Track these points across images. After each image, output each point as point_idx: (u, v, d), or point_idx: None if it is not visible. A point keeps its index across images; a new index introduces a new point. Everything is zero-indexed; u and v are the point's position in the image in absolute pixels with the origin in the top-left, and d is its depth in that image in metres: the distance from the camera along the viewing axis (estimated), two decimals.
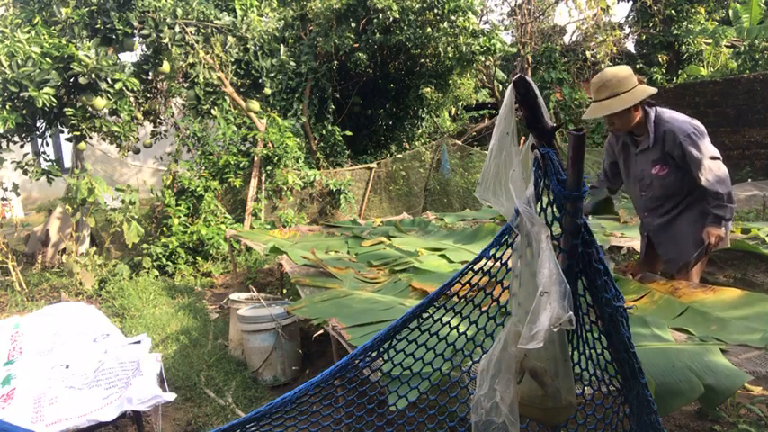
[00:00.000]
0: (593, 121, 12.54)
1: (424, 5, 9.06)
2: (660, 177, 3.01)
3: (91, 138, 6.66)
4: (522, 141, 1.33)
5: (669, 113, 3.00)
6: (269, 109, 8.80)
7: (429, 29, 9.34)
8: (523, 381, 1.36)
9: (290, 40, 9.57)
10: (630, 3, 14.68)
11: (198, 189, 7.14)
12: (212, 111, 7.52)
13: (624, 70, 2.90)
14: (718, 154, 2.90)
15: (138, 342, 3.25)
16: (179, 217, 7.03)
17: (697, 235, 2.96)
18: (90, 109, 6.11)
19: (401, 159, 10.62)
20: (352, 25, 9.06)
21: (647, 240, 3.31)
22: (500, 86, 14.43)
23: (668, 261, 3.16)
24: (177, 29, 6.45)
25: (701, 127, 2.94)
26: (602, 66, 13.15)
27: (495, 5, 34.43)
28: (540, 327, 1.16)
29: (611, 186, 3.44)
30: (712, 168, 2.84)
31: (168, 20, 6.32)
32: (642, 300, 2.76)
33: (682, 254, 3.05)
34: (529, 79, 1.21)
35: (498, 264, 1.50)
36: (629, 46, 15.30)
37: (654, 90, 2.90)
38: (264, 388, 3.82)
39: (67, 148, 10.27)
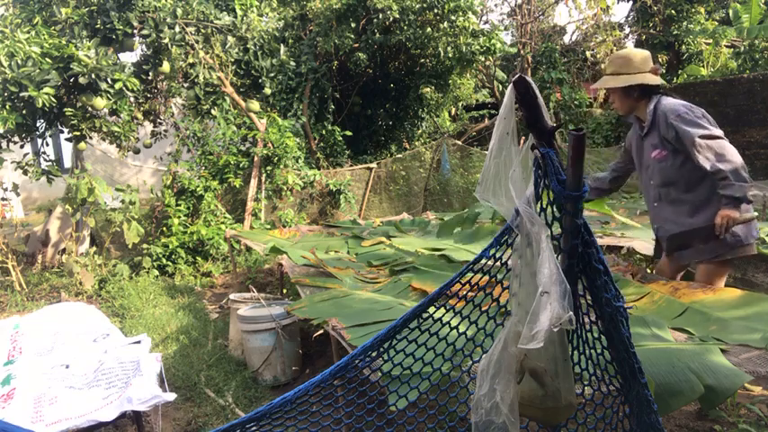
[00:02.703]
0: (592, 120, 12.54)
1: (424, 5, 9.06)
2: (658, 161, 2.94)
3: (91, 138, 6.66)
4: (522, 141, 1.33)
5: (667, 99, 2.91)
6: (269, 109, 8.79)
7: (429, 29, 9.33)
8: (523, 381, 1.36)
9: (290, 40, 9.56)
10: (630, 3, 14.66)
11: (198, 189, 7.14)
12: (212, 111, 7.52)
13: (638, 55, 2.90)
14: (718, 132, 2.70)
15: (138, 342, 3.25)
16: (179, 217, 7.04)
17: (710, 229, 2.77)
18: (90, 109, 6.11)
19: (401, 159, 10.61)
20: (352, 25, 9.05)
21: (657, 243, 3.19)
22: (500, 86, 14.43)
23: (679, 257, 2.99)
24: (177, 29, 6.44)
25: (698, 109, 2.81)
26: (602, 66, 13.16)
27: (495, 5, 34.36)
28: (540, 327, 1.16)
29: (608, 187, 3.41)
30: (711, 146, 2.67)
31: (168, 20, 6.32)
32: (642, 300, 2.75)
33: (694, 252, 2.90)
34: (529, 79, 1.20)
35: (498, 264, 1.50)
36: (630, 46, 15.29)
37: (655, 80, 2.86)
38: (264, 388, 3.82)
39: (67, 148, 10.27)
